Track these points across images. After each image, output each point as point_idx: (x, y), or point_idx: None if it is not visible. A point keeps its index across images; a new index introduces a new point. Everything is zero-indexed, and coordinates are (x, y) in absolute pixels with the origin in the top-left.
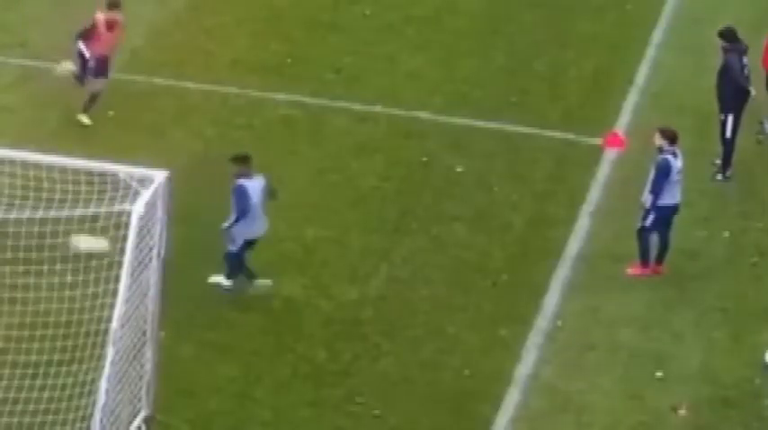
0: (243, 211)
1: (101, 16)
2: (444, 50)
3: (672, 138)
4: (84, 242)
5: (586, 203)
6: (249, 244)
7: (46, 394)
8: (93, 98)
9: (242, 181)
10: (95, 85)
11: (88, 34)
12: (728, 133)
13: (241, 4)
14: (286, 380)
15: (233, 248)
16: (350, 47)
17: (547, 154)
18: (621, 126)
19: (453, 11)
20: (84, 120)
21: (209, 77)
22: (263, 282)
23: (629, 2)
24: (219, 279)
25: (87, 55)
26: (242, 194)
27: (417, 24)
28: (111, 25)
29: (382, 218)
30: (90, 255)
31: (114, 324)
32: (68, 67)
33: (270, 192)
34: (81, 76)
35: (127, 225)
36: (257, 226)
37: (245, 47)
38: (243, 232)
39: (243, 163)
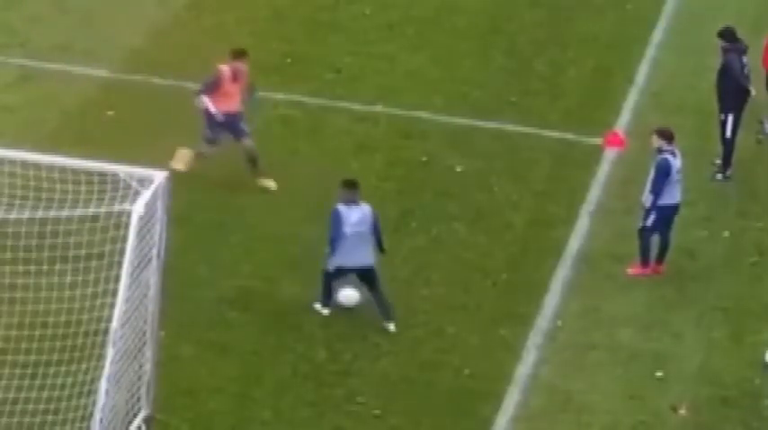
0: (333, 237)
1: (226, 68)
2: (444, 50)
3: (669, 137)
4: (344, 297)
5: (586, 203)
6: (342, 271)
7: (46, 394)
8: (253, 158)
9: (339, 206)
10: (244, 144)
11: (212, 88)
12: (728, 133)
13: (241, 4)
14: (286, 380)
15: (326, 268)
16: (350, 47)
17: (547, 154)
18: (621, 126)
19: (453, 10)
20: (270, 183)
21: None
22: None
23: (629, 2)
24: (318, 306)
25: (214, 111)
26: (333, 219)
27: (417, 24)
28: (236, 76)
29: (382, 218)
30: (90, 255)
31: (114, 324)
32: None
33: (378, 242)
34: (211, 138)
35: (127, 225)
36: (353, 256)
37: (245, 47)
38: (336, 258)
39: (347, 188)
